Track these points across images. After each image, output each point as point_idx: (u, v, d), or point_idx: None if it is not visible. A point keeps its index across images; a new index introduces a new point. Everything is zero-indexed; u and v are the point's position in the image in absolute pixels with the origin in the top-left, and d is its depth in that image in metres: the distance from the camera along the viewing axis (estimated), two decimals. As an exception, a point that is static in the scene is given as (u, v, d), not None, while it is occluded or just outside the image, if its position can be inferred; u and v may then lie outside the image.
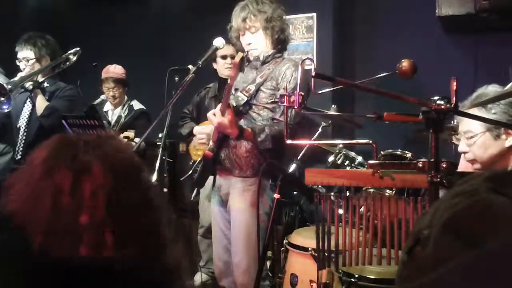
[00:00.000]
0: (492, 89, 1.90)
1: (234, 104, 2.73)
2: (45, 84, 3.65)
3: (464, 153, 1.92)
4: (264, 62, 2.82)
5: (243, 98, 2.74)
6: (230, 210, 2.77)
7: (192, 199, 3.73)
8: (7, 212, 0.81)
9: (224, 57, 3.92)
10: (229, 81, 2.75)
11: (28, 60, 3.58)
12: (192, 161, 3.98)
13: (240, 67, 2.88)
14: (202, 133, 2.93)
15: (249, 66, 2.90)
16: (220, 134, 2.76)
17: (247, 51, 2.86)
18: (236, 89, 2.86)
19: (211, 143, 2.82)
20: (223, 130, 2.66)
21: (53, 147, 0.86)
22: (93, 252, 0.78)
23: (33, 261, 0.78)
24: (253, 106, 2.75)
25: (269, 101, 2.74)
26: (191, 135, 3.90)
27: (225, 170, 2.78)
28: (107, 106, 4.22)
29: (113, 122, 4.15)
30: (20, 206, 0.81)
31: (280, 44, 2.84)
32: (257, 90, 2.74)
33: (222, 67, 3.89)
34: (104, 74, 4.14)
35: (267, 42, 2.81)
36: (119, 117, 4.15)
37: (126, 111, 4.14)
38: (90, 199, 0.79)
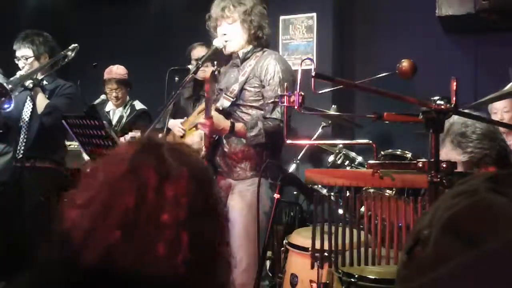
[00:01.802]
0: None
1: (220, 108, 2.73)
2: (44, 82, 3.65)
3: None
4: (244, 59, 2.78)
5: (228, 99, 2.74)
6: (229, 211, 2.77)
7: None
8: (78, 204, 0.82)
9: (198, 59, 3.94)
10: (206, 95, 2.75)
11: (27, 59, 3.57)
12: None
13: (213, 80, 2.88)
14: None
15: (230, 65, 2.88)
16: (212, 140, 2.75)
17: (217, 69, 2.86)
18: (220, 90, 2.86)
19: (203, 150, 2.81)
20: (217, 129, 2.62)
21: (138, 147, 0.88)
22: (170, 252, 0.79)
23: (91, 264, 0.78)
24: (241, 107, 2.74)
25: (256, 99, 2.72)
26: (169, 131, 3.91)
27: (223, 175, 2.79)
28: (109, 106, 4.23)
29: (114, 122, 4.16)
30: (100, 198, 0.81)
31: (257, 40, 2.78)
32: (241, 89, 2.72)
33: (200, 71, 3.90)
34: (106, 75, 4.15)
35: (243, 35, 2.76)
36: (121, 117, 4.16)
37: (128, 111, 4.15)
38: (173, 201, 0.81)
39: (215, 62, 3.78)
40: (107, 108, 4.24)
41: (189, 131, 3.91)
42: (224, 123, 2.61)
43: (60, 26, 4.86)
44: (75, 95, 3.67)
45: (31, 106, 3.61)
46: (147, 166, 0.83)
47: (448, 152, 1.88)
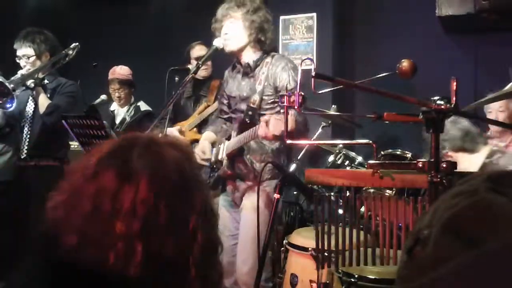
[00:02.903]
0: None
1: (248, 121, 2.72)
2: (46, 81, 3.65)
3: None
4: (255, 67, 2.77)
5: (250, 110, 2.74)
6: (242, 210, 2.77)
7: None
8: (52, 204, 0.81)
9: (198, 58, 3.94)
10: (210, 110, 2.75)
11: (28, 57, 3.57)
12: None
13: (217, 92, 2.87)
14: (200, 149, 2.92)
15: (239, 73, 2.87)
16: (235, 152, 2.76)
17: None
18: (233, 97, 2.86)
19: (225, 159, 2.81)
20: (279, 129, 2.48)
21: (110, 148, 0.85)
22: (120, 263, 0.76)
23: (63, 259, 0.78)
24: (258, 116, 2.74)
25: (271, 106, 2.71)
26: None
27: (240, 177, 2.80)
28: (114, 106, 4.26)
29: (117, 122, 4.17)
30: (65, 200, 0.81)
31: (260, 44, 2.77)
32: (261, 98, 2.72)
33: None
34: (110, 75, 4.18)
35: (243, 34, 2.74)
36: (124, 118, 4.17)
37: (132, 112, 4.17)
38: (129, 209, 0.78)
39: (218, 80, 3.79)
40: (112, 108, 4.27)
41: (189, 132, 3.92)
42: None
43: (60, 26, 4.85)
44: (77, 93, 3.67)
45: (33, 106, 3.61)
46: (109, 170, 0.80)
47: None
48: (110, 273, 0.76)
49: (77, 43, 3.67)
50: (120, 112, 4.24)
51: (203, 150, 2.91)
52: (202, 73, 3.92)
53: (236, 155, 2.79)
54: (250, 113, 2.72)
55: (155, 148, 0.85)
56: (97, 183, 0.80)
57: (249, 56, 2.79)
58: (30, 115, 3.59)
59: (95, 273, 0.77)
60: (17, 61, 3.58)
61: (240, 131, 2.77)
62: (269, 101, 2.72)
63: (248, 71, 2.80)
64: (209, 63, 3.89)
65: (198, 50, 3.96)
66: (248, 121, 2.71)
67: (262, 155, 2.74)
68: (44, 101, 3.47)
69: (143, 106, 4.23)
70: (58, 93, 3.59)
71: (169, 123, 3.99)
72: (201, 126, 3.91)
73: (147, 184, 0.80)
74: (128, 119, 4.14)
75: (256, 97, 2.71)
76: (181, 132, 3.93)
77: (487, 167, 2.40)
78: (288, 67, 2.69)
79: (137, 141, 0.86)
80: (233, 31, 2.76)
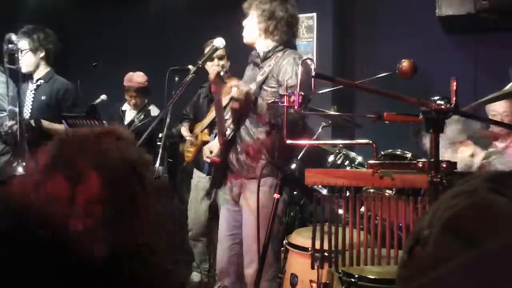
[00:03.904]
0: None
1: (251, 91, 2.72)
2: (41, 81, 3.65)
3: None
4: (264, 58, 2.75)
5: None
6: (242, 210, 2.76)
7: (211, 200, 3.76)
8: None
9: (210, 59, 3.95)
10: (215, 96, 2.75)
11: (22, 51, 3.58)
12: (184, 162, 4.04)
13: (219, 82, 2.86)
14: (209, 148, 2.93)
15: (251, 63, 2.88)
16: (225, 138, 2.75)
17: (222, 70, 2.86)
18: None
19: (218, 148, 2.81)
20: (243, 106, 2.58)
21: (52, 153, 0.84)
22: (86, 259, 0.77)
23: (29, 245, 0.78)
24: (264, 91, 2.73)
25: (273, 99, 2.71)
26: (181, 136, 3.94)
27: (235, 173, 2.78)
28: (125, 106, 4.30)
29: (125, 123, 4.19)
30: (20, 209, 0.80)
31: (272, 35, 2.73)
32: (259, 88, 2.71)
33: (210, 69, 3.89)
34: (127, 83, 4.21)
35: (257, 26, 2.74)
36: (132, 121, 4.20)
37: (142, 116, 4.19)
38: (84, 208, 0.78)
39: (222, 64, 3.78)
40: (124, 108, 4.32)
41: (200, 133, 3.91)
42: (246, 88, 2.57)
43: (60, 26, 4.85)
44: (75, 92, 3.70)
45: (31, 105, 3.62)
46: (57, 174, 0.80)
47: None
48: (75, 268, 0.77)
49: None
50: (130, 113, 4.26)
51: (211, 149, 2.91)
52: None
53: (230, 148, 2.77)
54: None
55: (93, 143, 0.85)
56: (48, 189, 0.79)
57: (261, 46, 2.77)
58: (28, 115, 3.60)
59: (61, 269, 0.77)
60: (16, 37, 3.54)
61: (235, 119, 2.77)
62: (271, 94, 2.68)
63: (258, 62, 2.80)
64: (221, 62, 3.88)
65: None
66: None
67: (254, 151, 2.71)
68: (58, 128, 3.47)
69: (154, 111, 4.25)
70: (62, 100, 3.59)
71: (189, 123, 4.02)
72: (212, 127, 3.90)
73: (97, 180, 0.80)
74: (136, 121, 4.17)
75: (252, 86, 2.70)
76: (191, 131, 3.94)
77: (484, 167, 2.41)
78: (295, 62, 2.65)
79: (73, 140, 0.86)
80: (248, 22, 2.78)
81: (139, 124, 4.12)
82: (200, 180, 3.98)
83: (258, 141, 2.70)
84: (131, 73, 4.24)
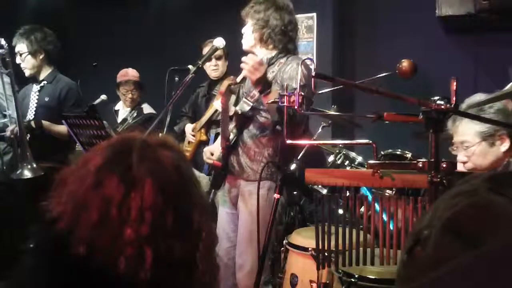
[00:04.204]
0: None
1: (239, 112, 2.72)
2: (44, 82, 3.65)
3: (464, 163, 1.97)
4: (268, 65, 2.74)
5: (248, 104, 2.72)
6: (239, 212, 2.76)
7: (209, 200, 3.76)
8: (54, 214, 0.80)
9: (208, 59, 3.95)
10: (222, 106, 2.74)
11: (21, 54, 3.57)
12: None
13: (228, 94, 2.85)
14: (209, 150, 2.93)
15: None
16: (228, 143, 2.75)
17: (233, 82, 2.86)
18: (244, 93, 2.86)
19: (220, 152, 2.81)
20: (254, 72, 2.51)
21: (108, 154, 0.84)
22: (131, 269, 0.77)
23: (72, 266, 0.78)
24: (260, 111, 2.72)
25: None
26: (183, 133, 3.94)
27: (235, 175, 2.78)
28: (118, 105, 4.28)
29: (118, 121, 4.18)
30: (68, 211, 0.80)
31: (270, 43, 2.73)
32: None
33: (208, 69, 3.89)
34: (123, 78, 4.19)
35: (253, 33, 2.75)
36: (125, 119, 4.18)
37: (135, 114, 4.17)
38: (136, 215, 0.78)
39: (232, 77, 3.78)
40: (116, 107, 4.30)
41: (197, 132, 3.92)
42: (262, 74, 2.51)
43: (60, 26, 4.85)
44: (78, 92, 3.69)
45: (35, 107, 3.62)
46: (112, 178, 0.79)
47: (466, 125, 1.93)
48: (120, 279, 0.76)
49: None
50: (124, 112, 4.25)
51: (211, 151, 2.91)
52: (212, 73, 3.92)
53: (231, 150, 2.77)
54: (246, 106, 2.71)
55: (152, 151, 0.85)
56: (101, 192, 0.79)
57: (260, 54, 2.75)
58: (31, 116, 3.60)
59: (105, 279, 0.77)
60: (5, 41, 3.51)
61: (238, 125, 2.77)
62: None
63: None
64: (219, 63, 3.87)
65: (207, 49, 3.95)
66: (240, 113, 2.70)
67: (255, 154, 2.72)
68: (61, 130, 3.47)
69: (147, 109, 4.23)
70: (64, 99, 3.58)
71: (189, 121, 4.03)
72: (208, 127, 3.90)
73: (151, 189, 0.80)
74: (130, 120, 4.15)
75: (256, 93, 2.70)
76: (194, 130, 3.94)
77: None
78: (298, 66, 2.61)
79: (133, 144, 0.85)
80: (246, 30, 2.79)
81: (132, 122, 4.11)
82: (200, 180, 3.98)
83: (260, 145, 2.70)
84: (124, 69, 4.23)
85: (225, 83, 2.83)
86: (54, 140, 3.55)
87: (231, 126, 2.82)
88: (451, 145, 2.09)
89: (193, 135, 3.91)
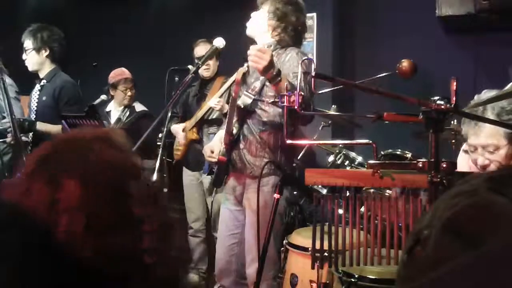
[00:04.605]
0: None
1: (242, 106, 2.71)
2: (44, 81, 3.65)
3: (485, 166, 1.87)
4: None
5: (250, 97, 2.71)
6: (246, 210, 2.75)
7: (212, 198, 3.77)
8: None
9: (199, 58, 3.96)
10: (233, 95, 2.74)
11: (27, 49, 3.59)
12: (173, 160, 4.05)
13: (243, 82, 2.84)
14: (209, 148, 2.91)
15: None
16: (232, 137, 2.75)
17: (247, 70, 2.83)
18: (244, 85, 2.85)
19: (223, 147, 2.79)
20: (259, 61, 2.42)
21: (36, 159, 0.84)
22: (71, 252, 0.76)
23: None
24: (259, 103, 2.71)
25: (274, 95, 2.69)
26: (170, 133, 3.94)
27: (238, 171, 2.77)
28: (110, 107, 4.26)
29: (112, 123, 4.17)
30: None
31: (281, 31, 2.72)
32: (262, 86, 2.70)
33: (200, 69, 3.90)
34: (121, 76, 4.16)
35: (268, 22, 2.73)
36: (119, 119, 4.17)
37: (127, 113, 4.16)
38: (67, 217, 0.77)
39: (224, 77, 3.78)
40: (108, 108, 4.26)
41: (189, 131, 3.92)
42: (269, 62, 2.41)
43: (60, 26, 4.85)
44: (73, 95, 3.69)
45: (35, 107, 3.62)
46: (39, 182, 0.79)
47: (493, 127, 1.79)
48: (64, 279, 0.76)
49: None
50: (116, 112, 4.23)
51: (212, 149, 2.90)
52: (203, 73, 3.92)
53: (234, 145, 2.77)
54: (247, 99, 2.71)
55: (79, 149, 0.84)
56: (30, 198, 0.79)
57: (263, 41, 2.74)
58: (34, 116, 3.60)
59: (50, 280, 0.77)
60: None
61: (239, 118, 2.76)
62: (271, 93, 2.68)
63: None
64: (210, 62, 3.88)
65: (202, 48, 3.95)
66: (242, 106, 2.70)
67: (256, 149, 2.72)
68: (55, 130, 3.46)
69: (138, 106, 4.22)
70: (59, 96, 3.58)
71: (178, 121, 4.03)
72: (200, 126, 3.92)
73: (78, 188, 0.79)
74: (123, 119, 4.15)
75: (257, 84, 2.69)
76: (184, 130, 3.95)
77: None
78: (299, 56, 2.62)
79: (59, 146, 0.85)
80: (257, 16, 2.77)
81: (126, 120, 4.11)
82: (191, 178, 3.99)
83: (261, 140, 2.70)
84: (118, 69, 4.21)
85: (240, 70, 2.80)
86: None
87: (234, 120, 2.81)
88: (457, 144, 1.97)
89: (184, 135, 3.92)
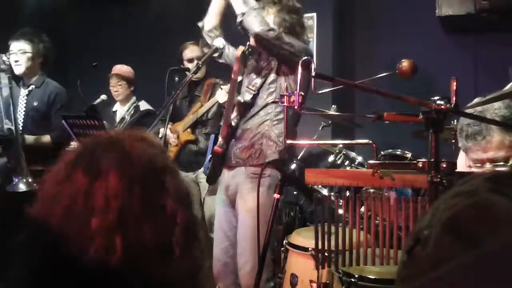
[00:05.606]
0: None
1: (242, 101, 2.72)
2: (32, 86, 3.64)
3: None
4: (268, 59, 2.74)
5: (250, 92, 2.72)
6: (238, 210, 2.74)
7: (204, 196, 3.77)
8: (32, 214, 0.84)
9: (190, 60, 3.96)
10: (232, 76, 2.74)
11: (24, 53, 3.57)
12: None
13: (243, 60, 2.84)
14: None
15: (252, 59, 2.87)
16: (229, 130, 2.75)
17: (247, 49, 2.83)
18: (239, 82, 2.85)
19: (220, 139, 2.79)
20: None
21: (77, 150, 0.88)
22: (101, 257, 0.79)
23: (45, 257, 0.81)
24: (257, 98, 2.72)
25: (272, 90, 2.71)
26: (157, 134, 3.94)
27: (233, 163, 2.76)
28: (116, 106, 4.29)
29: (117, 121, 4.19)
30: (43, 207, 0.83)
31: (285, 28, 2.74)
32: (263, 82, 2.71)
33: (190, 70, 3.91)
34: (112, 72, 4.23)
35: (273, 18, 2.75)
36: (123, 118, 4.18)
37: (132, 111, 4.18)
38: (102, 204, 0.81)
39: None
40: (114, 108, 4.32)
41: (183, 132, 3.93)
42: None
43: (60, 26, 4.86)
44: (66, 99, 3.71)
45: (24, 112, 3.61)
46: (78, 171, 0.83)
47: (501, 136, 1.71)
48: (91, 266, 0.79)
49: None
50: (121, 111, 4.26)
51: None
52: (198, 74, 3.92)
53: (231, 140, 2.77)
54: (248, 95, 2.72)
55: (119, 144, 0.88)
56: (69, 185, 0.82)
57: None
58: (22, 120, 3.60)
59: (76, 268, 0.79)
60: (6, 57, 3.49)
61: (239, 113, 2.77)
62: (271, 89, 2.70)
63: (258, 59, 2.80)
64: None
65: (191, 50, 3.98)
66: (242, 102, 2.70)
67: (255, 144, 2.70)
68: (46, 140, 3.48)
69: (143, 105, 4.24)
70: (50, 104, 3.59)
71: (165, 123, 4.03)
72: (195, 127, 3.92)
73: (116, 177, 0.82)
74: (127, 118, 4.16)
75: (257, 81, 2.70)
76: (173, 131, 3.94)
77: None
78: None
79: (99, 140, 0.90)
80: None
81: (130, 119, 4.12)
82: (185, 179, 3.99)
83: (259, 133, 2.70)
84: (118, 65, 4.26)
85: (240, 48, 2.82)
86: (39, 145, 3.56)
87: (233, 115, 2.81)
88: (461, 155, 1.86)
89: (177, 136, 3.92)
